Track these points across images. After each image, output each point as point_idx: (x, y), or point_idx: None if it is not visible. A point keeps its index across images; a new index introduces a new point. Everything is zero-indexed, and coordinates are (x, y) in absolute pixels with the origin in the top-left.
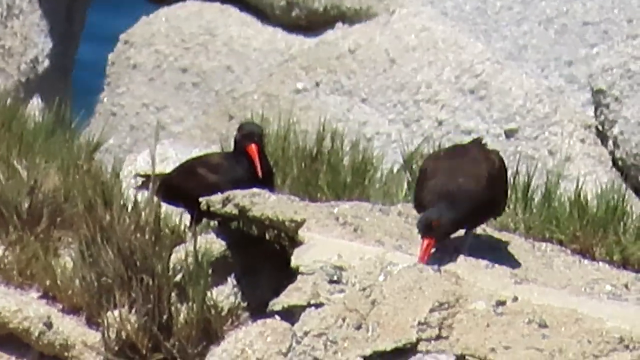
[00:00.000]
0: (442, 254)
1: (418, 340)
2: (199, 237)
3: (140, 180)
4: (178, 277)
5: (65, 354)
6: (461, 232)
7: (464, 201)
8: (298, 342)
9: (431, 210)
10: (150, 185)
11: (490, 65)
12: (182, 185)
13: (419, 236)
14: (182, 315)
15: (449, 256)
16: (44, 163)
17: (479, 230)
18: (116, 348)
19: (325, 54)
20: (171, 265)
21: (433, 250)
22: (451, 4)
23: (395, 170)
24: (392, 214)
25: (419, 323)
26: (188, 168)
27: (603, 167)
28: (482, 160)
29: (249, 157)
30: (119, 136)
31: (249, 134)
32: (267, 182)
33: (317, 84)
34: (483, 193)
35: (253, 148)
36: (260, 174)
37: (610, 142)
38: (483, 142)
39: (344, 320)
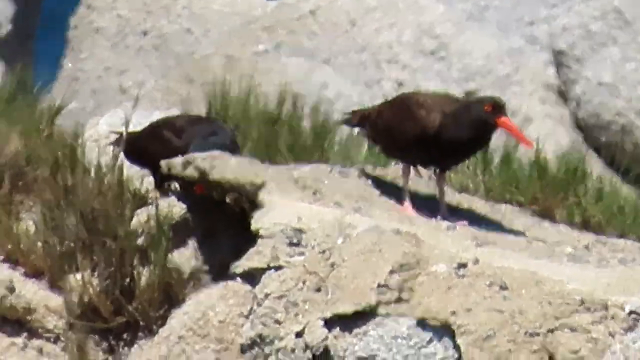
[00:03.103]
0: (402, 215)
1: (378, 304)
2: (160, 201)
3: (113, 137)
4: (140, 241)
5: (28, 317)
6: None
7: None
8: (259, 305)
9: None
10: (113, 148)
11: (450, 27)
12: (147, 148)
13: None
14: (143, 279)
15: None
16: (6, 128)
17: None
18: (79, 312)
19: (286, 15)
20: (133, 229)
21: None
22: None
23: (355, 132)
24: (352, 176)
25: (379, 285)
26: (155, 130)
27: (564, 129)
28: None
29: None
30: (82, 100)
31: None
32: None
33: (278, 46)
34: None
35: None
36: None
37: (573, 103)
38: None
39: (304, 282)
